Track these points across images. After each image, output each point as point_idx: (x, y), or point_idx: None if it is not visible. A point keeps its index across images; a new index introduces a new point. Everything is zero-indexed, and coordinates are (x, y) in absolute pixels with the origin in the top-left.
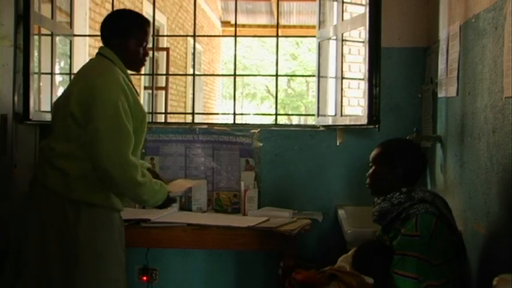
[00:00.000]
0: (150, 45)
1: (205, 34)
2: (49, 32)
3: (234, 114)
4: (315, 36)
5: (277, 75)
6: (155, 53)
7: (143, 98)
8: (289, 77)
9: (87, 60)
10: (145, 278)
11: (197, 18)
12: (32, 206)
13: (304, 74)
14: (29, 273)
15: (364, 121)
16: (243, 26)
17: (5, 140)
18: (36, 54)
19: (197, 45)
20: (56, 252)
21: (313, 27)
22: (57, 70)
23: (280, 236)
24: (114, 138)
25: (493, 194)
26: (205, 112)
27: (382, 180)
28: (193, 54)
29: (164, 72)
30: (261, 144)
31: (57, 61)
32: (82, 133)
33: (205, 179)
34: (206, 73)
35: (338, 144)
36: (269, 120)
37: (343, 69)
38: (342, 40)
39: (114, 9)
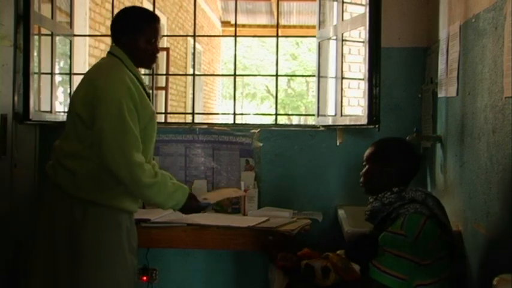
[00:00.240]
0: (160, 41)
1: (205, 34)
2: (49, 32)
3: (234, 114)
4: (315, 36)
5: (277, 75)
6: None
7: None
8: (289, 77)
9: (87, 60)
10: (145, 278)
11: (197, 18)
12: (42, 204)
13: (304, 74)
14: (37, 272)
15: (364, 121)
16: (243, 26)
17: (5, 140)
18: (36, 54)
19: (197, 45)
20: (64, 251)
21: (313, 27)
22: (57, 70)
23: (280, 236)
24: (118, 138)
25: (493, 194)
26: (205, 112)
27: (375, 179)
28: (193, 54)
29: (164, 72)
30: (261, 144)
31: (57, 61)
32: (90, 134)
33: (205, 179)
34: (206, 73)
35: (338, 144)
36: (269, 120)
37: (343, 69)
38: (342, 40)
39: (114, 9)
